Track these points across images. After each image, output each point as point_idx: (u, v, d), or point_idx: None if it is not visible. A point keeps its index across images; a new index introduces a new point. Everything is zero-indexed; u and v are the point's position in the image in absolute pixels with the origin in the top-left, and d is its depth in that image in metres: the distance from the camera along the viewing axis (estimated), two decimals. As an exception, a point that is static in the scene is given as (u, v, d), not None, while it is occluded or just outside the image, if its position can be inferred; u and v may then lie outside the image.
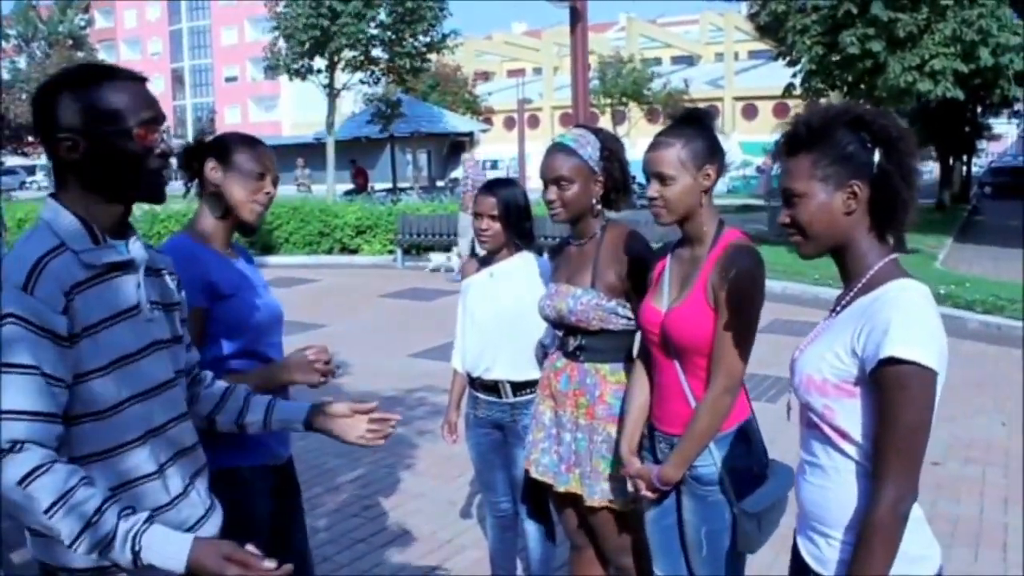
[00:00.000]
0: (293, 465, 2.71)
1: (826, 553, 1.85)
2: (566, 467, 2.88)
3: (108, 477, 1.72)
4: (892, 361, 1.67)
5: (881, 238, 1.84)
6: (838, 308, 1.88)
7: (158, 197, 1.82)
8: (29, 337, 1.60)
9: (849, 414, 1.78)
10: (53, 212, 1.74)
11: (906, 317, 1.70)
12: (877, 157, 1.78)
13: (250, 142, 2.53)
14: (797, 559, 1.96)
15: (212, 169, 2.48)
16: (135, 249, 1.81)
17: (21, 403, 1.58)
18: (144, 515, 1.65)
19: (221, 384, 2.17)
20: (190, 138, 2.74)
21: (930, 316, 1.74)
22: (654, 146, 2.50)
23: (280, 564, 1.63)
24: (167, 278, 1.94)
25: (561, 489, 2.90)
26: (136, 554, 1.61)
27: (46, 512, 1.57)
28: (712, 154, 2.48)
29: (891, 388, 1.68)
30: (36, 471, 1.57)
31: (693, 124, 2.52)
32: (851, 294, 1.84)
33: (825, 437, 1.84)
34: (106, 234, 1.75)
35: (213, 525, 1.94)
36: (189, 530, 1.84)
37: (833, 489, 1.84)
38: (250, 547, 1.66)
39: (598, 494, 2.80)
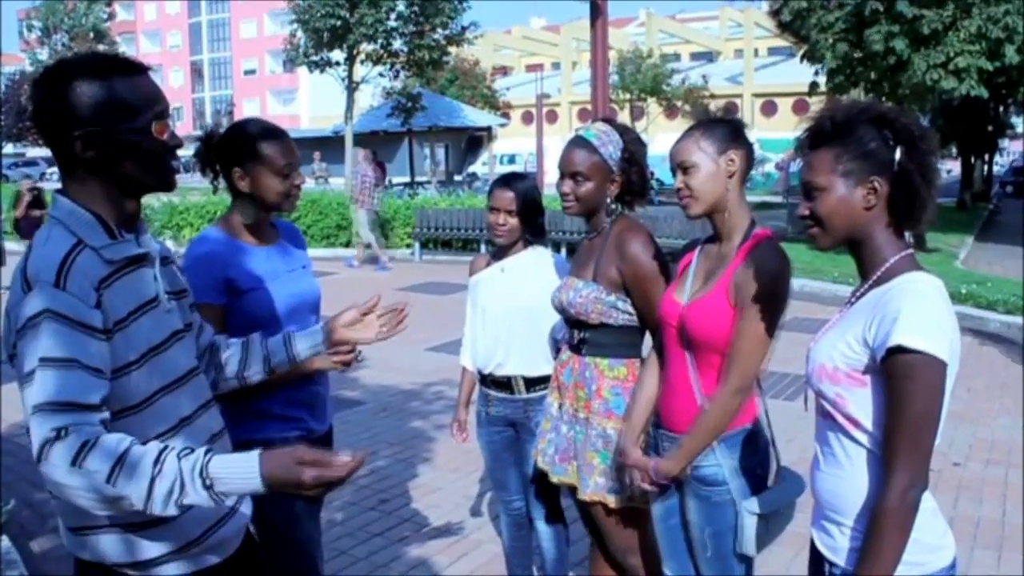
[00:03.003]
0: (331, 442, 2.74)
1: (839, 542, 1.88)
2: (562, 458, 2.89)
3: None
4: (900, 350, 1.70)
5: (898, 234, 1.87)
6: (853, 299, 1.90)
7: (172, 186, 1.82)
8: (66, 331, 1.59)
9: (860, 403, 1.81)
10: (66, 209, 1.71)
11: (915, 307, 1.73)
12: (898, 155, 1.80)
13: (269, 137, 2.54)
14: (813, 550, 1.98)
15: (240, 178, 2.52)
16: (147, 241, 1.81)
17: (63, 395, 1.57)
18: (203, 449, 1.61)
19: (235, 341, 2.17)
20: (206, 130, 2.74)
21: (940, 308, 1.77)
22: (677, 141, 2.51)
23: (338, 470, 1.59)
24: (173, 266, 1.95)
25: (555, 479, 2.92)
26: (210, 488, 1.56)
27: (108, 480, 1.53)
28: (734, 139, 2.46)
29: (899, 377, 1.71)
30: (84, 448, 1.53)
31: (715, 119, 2.53)
32: (866, 286, 1.87)
33: (838, 426, 1.87)
34: (121, 228, 1.75)
35: (247, 507, 1.94)
36: (226, 516, 1.85)
37: (846, 478, 1.86)
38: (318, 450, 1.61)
39: (590, 488, 2.79)
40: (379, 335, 2.23)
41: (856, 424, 1.82)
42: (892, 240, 1.85)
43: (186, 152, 2.08)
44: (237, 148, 2.52)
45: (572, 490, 2.91)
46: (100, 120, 1.67)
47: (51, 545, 4.23)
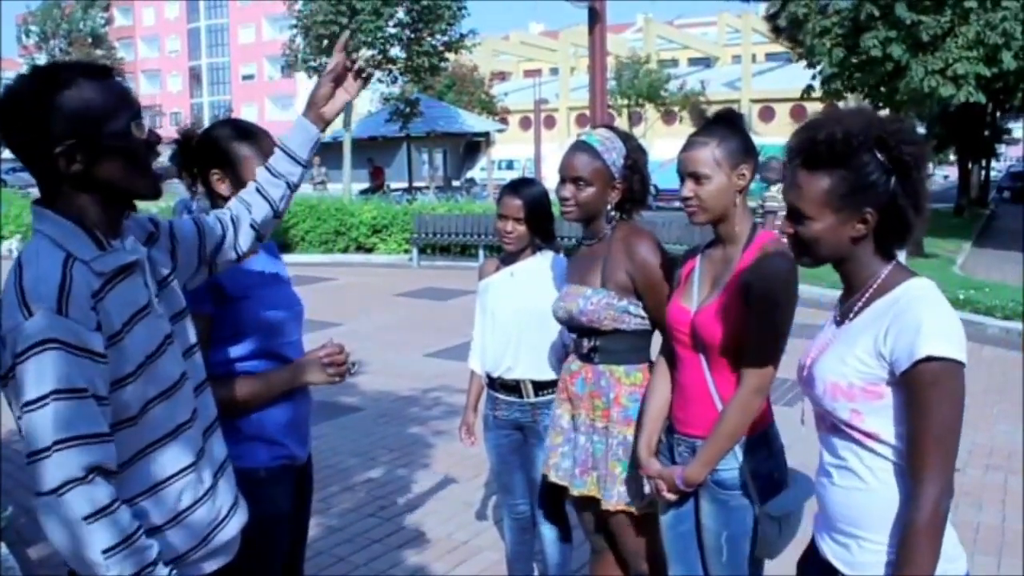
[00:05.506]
0: (311, 467, 2.67)
1: (858, 556, 1.83)
2: (581, 470, 2.85)
3: (145, 478, 1.70)
4: (928, 359, 1.68)
5: (883, 253, 1.85)
6: (851, 314, 1.87)
7: (159, 191, 1.77)
8: (74, 360, 1.56)
9: (879, 416, 1.78)
10: (50, 223, 1.66)
11: (935, 315, 1.73)
12: (892, 184, 1.77)
13: (248, 137, 2.43)
14: (818, 563, 1.93)
15: (218, 181, 2.41)
16: (134, 247, 1.76)
17: (82, 427, 1.56)
18: None
19: (242, 202, 2.15)
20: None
21: (951, 311, 1.77)
22: (688, 146, 2.47)
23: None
24: (156, 261, 1.86)
25: (576, 493, 2.88)
26: None
27: (105, 552, 1.55)
28: (746, 154, 2.46)
29: (928, 385, 1.69)
30: (104, 510, 1.56)
31: (725, 124, 2.49)
32: (864, 299, 1.84)
33: (854, 441, 1.83)
34: (108, 237, 1.70)
35: (239, 520, 1.92)
36: (220, 523, 1.85)
37: (867, 491, 1.82)
38: None
39: (614, 497, 2.77)
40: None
41: (875, 438, 1.79)
42: (877, 257, 1.84)
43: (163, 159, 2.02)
44: (214, 149, 2.40)
45: (583, 500, 2.90)
46: (78, 131, 1.62)
47: (49, 552, 4.21)
